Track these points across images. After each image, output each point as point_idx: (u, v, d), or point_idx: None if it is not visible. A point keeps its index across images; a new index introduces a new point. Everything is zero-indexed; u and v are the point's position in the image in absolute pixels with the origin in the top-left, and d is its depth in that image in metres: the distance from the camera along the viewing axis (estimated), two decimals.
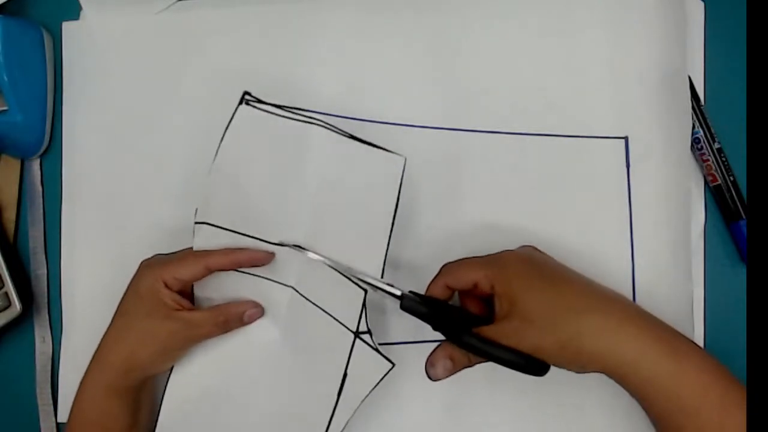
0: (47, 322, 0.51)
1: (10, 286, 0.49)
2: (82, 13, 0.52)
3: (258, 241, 0.42)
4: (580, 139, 0.45)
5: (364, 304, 0.40)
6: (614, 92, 0.45)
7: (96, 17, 0.51)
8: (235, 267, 0.42)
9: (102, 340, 0.43)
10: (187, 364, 0.44)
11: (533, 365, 0.36)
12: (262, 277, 0.43)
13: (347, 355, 0.40)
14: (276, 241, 0.43)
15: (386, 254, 0.41)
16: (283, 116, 0.43)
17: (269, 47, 0.49)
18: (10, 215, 0.52)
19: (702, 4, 0.45)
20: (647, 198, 0.44)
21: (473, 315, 0.40)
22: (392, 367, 0.40)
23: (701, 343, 0.44)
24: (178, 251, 0.44)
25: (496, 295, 0.37)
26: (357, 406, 0.40)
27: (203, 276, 0.42)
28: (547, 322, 0.35)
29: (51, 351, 0.51)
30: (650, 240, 0.43)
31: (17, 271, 0.50)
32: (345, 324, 0.41)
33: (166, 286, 0.41)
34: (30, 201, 0.52)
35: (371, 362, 0.40)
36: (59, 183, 0.51)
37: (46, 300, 0.51)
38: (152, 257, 0.44)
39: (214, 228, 0.42)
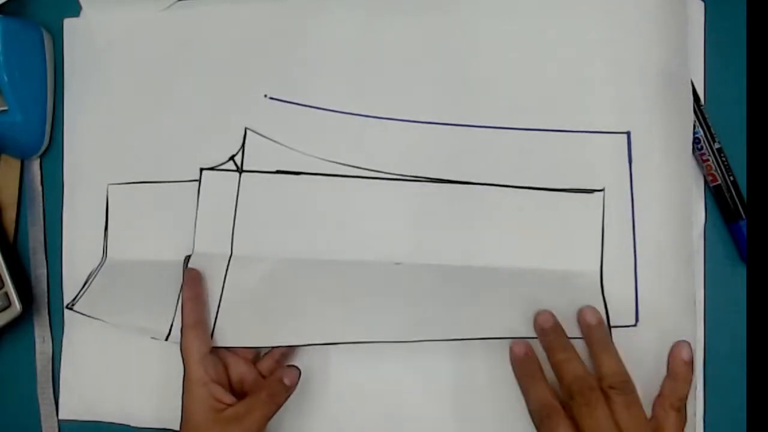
0: (47, 322, 0.51)
1: (10, 286, 0.49)
2: (82, 13, 0.52)
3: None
4: (582, 134, 0.45)
5: None
6: (616, 89, 0.44)
7: (96, 16, 0.51)
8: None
9: None
10: None
11: None
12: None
13: None
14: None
15: None
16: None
17: (271, 45, 0.49)
18: (10, 215, 0.52)
19: (702, 4, 0.45)
20: (649, 194, 0.44)
21: None
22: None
23: (701, 344, 0.43)
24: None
25: None
26: None
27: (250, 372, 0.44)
28: None
29: (51, 351, 0.51)
30: (652, 237, 0.43)
31: (17, 271, 0.50)
32: None
33: (217, 400, 0.41)
34: (30, 201, 0.52)
35: None
36: (59, 183, 0.51)
37: (46, 300, 0.51)
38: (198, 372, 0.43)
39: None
